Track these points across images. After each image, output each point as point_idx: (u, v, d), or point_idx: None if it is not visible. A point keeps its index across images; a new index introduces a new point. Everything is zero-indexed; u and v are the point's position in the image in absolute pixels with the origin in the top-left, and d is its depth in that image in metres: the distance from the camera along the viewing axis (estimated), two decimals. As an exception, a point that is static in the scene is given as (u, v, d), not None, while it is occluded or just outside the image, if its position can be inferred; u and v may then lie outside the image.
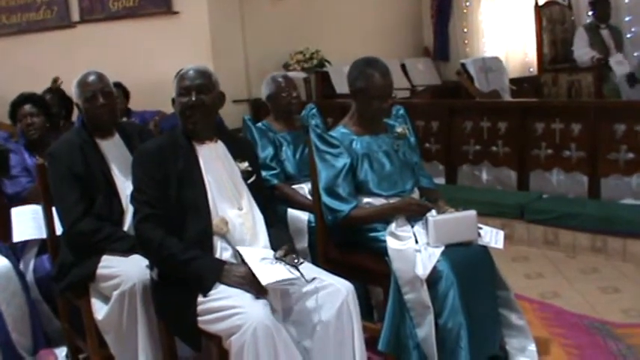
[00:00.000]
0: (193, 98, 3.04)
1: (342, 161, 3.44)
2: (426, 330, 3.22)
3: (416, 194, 3.60)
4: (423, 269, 3.19)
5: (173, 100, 3.15)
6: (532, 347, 3.47)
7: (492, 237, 3.48)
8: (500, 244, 3.45)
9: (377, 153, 3.53)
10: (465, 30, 9.98)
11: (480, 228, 3.45)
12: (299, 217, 4.04)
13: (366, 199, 3.49)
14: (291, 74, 5.32)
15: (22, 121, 4.45)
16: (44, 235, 3.93)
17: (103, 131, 3.60)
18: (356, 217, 3.44)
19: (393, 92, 3.53)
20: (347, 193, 3.43)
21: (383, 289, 3.47)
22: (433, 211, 3.46)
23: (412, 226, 3.40)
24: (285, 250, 2.97)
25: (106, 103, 3.54)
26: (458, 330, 3.14)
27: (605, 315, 4.17)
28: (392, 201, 3.46)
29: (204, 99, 3.06)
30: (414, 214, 3.38)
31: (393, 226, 3.39)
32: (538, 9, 8.57)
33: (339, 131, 3.56)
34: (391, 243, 3.33)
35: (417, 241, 3.31)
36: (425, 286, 3.18)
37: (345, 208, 3.41)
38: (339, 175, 3.43)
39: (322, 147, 3.49)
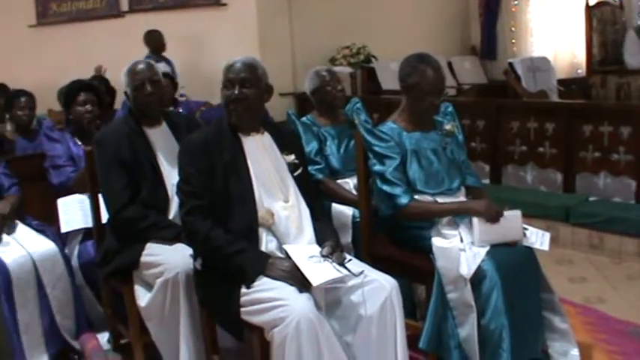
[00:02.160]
0: (236, 92, 3.04)
1: (395, 154, 3.41)
2: (468, 330, 3.19)
3: (462, 193, 3.57)
4: (467, 269, 3.15)
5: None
6: (575, 352, 3.41)
7: (538, 238, 3.43)
8: (545, 246, 3.40)
9: (425, 150, 3.49)
10: (513, 29, 9.89)
11: (526, 229, 3.40)
12: (343, 212, 4.02)
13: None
14: (337, 69, 5.32)
15: (80, 107, 4.45)
16: (90, 225, 3.98)
17: (150, 120, 3.63)
18: (415, 209, 3.38)
19: (445, 89, 3.50)
20: (404, 183, 3.40)
21: (426, 287, 3.45)
22: None
23: (457, 225, 3.37)
24: (331, 246, 2.96)
25: (154, 91, 3.58)
26: (500, 331, 3.10)
27: (651, 322, 4.10)
28: (441, 199, 3.43)
29: (247, 93, 3.05)
30: (488, 219, 3.29)
31: (439, 225, 3.37)
32: (588, 9, 8.46)
33: (389, 127, 3.53)
34: (436, 241, 3.30)
35: (462, 240, 3.28)
36: (468, 286, 3.15)
37: (404, 196, 3.35)
38: (394, 166, 3.39)
39: (374, 141, 3.46)
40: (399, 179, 3.39)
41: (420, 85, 3.41)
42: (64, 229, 4.14)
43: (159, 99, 3.63)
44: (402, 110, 3.57)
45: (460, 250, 3.23)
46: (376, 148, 3.44)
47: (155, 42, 7.71)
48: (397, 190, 3.37)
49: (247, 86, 3.05)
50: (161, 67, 7.31)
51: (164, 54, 7.74)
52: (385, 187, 3.40)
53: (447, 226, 3.37)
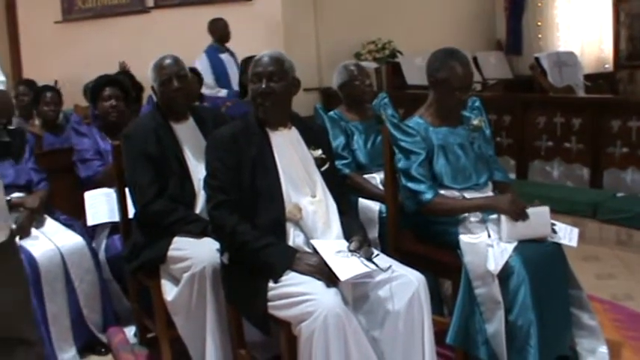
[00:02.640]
0: (263, 85, 3.04)
1: (420, 150, 3.40)
2: (495, 326, 3.17)
3: (489, 188, 3.55)
4: (494, 264, 3.14)
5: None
6: (603, 349, 3.38)
7: (566, 234, 3.40)
8: (574, 242, 3.37)
9: (453, 145, 3.47)
10: (539, 24, 9.81)
11: (554, 224, 3.38)
12: (370, 206, 4.01)
13: (440, 192, 3.44)
14: (362, 64, 5.28)
15: (105, 102, 4.48)
16: (117, 219, 4.01)
17: (177, 114, 3.65)
18: (441, 205, 3.36)
19: (473, 84, 3.48)
20: (428, 179, 3.39)
21: (453, 283, 3.43)
22: None
23: (485, 220, 3.35)
24: (359, 241, 2.94)
25: (181, 86, 3.59)
26: (528, 327, 3.08)
27: (680, 319, 4.06)
28: (468, 195, 3.42)
29: (274, 87, 3.05)
30: (512, 216, 3.26)
31: (466, 220, 3.35)
32: (616, 3, 8.41)
33: (415, 121, 3.52)
34: (464, 236, 3.28)
35: (489, 236, 3.26)
36: (496, 282, 3.13)
37: (429, 192, 3.35)
38: (419, 162, 3.38)
39: (399, 136, 3.45)
40: (424, 175, 3.37)
41: (449, 81, 3.40)
42: (90, 222, 4.18)
43: (186, 94, 3.64)
44: (430, 105, 3.55)
45: (488, 245, 3.21)
46: (402, 143, 3.43)
47: (219, 31, 7.53)
48: (422, 187, 3.36)
49: (275, 80, 3.05)
50: (224, 58, 7.34)
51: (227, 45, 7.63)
52: (410, 184, 3.39)
53: (475, 222, 3.35)
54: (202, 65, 7.24)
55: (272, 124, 3.14)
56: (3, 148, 2.60)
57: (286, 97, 3.15)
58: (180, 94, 3.59)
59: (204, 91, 6.76)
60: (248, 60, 5.78)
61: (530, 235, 3.26)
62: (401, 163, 3.43)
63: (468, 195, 3.42)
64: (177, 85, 3.57)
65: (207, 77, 7.14)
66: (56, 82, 6.81)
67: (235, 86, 6.94)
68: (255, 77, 3.08)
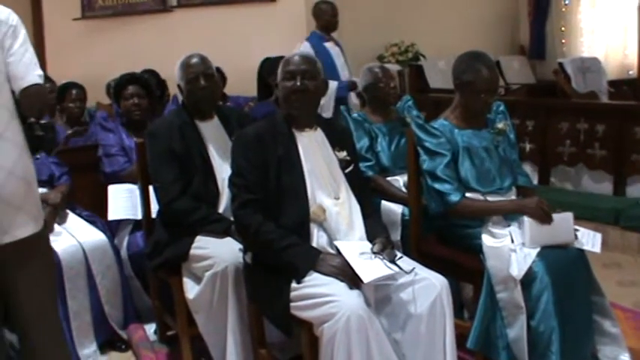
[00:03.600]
0: (298, 83, 3.05)
1: (446, 151, 3.39)
2: (517, 331, 3.16)
3: (513, 192, 3.54)
4: (517, 270, 3.13)
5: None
6: (625, 357, 3.36)
7: (590, 240, 3.38)
8: (597, 248, 3.34)
9: (477, 148, 3.46)
10: (563, 29, 9.74)
11: (577, 230, 3.36)
12: (393, 209, 4.01)
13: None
14: (386, 66, 5.28)
15: (127, 101, 4.51)
16: (138, 217, 4.05)
17: (202, 113, 3.66)
18: (467, 207, 3.36)
19: (498, 88, 3.48)
20: (455, 180, 3.38)
21: (474, 287, 3.42)
22: None
23: (508, 225, 3.34)
24: (382, 243, 2.95)
25: (208, 85, 3.60)
26: (550, 334, 3.07)
27: (702, 329, 4.02)
28: (492, 198, 3.41)
29: (308, 85, 3.06)
30: (538, 218, 3.25)
31: (489, 224, 3.34)
32: (641, 9, 8.32)
33: (440, 123, 3.51)
34: (487, 240, 3.27)
35: (512, 241, 3.25)
36: (519, 287, 3.12)
37: (455, 194, 3.34)
38: (445, 163, 3.38)
39: (424, 137, 3.45)
40: (450, 176, 3.37)
41: (475, 83, 3.39)
42: (110, 216, 4.20)
43: (212, 92, 3.66)
44: (455, 107, 3.55)
45: (511, 250, 3.20)
46: (427, 144, 3.43)
47: (326, 16, 6.52)
48: (448, 188, 3.35)
49: (308, 78, 3.07)
50: (329, 47, 6.45)
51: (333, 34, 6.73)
52: (436, 185, 3.38)
53: (498, 226, 3.34)
54: None
55: (299, 125, 3.14)
56: (36, 142, 2.64)
57: (317, 97, 3.17)
58: (207, 93, 3.60)
59: None
60: (267, 61, 5.82)
61: (553, 241, 3.24)
62: (426, 165, 3.43)
63: (491, 199, 3.41)
64: (204, 83, 3.58)
65: None
66: None
67: (344, 78, 6.34)
68: (289, 75, 3.08)
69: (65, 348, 2.94)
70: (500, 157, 3.52)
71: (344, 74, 6.42)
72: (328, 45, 6.48)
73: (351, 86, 5.98)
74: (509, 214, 3.36)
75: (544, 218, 3.22)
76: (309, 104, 3.11)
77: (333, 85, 5.86)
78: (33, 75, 2.55)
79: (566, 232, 3.30)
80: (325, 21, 6.53)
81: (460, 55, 3.52)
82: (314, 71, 3.10)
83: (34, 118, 2.59)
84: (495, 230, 3.32)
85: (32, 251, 2.64)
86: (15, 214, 2.54)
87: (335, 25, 6.60)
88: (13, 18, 2.59)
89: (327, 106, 5.67)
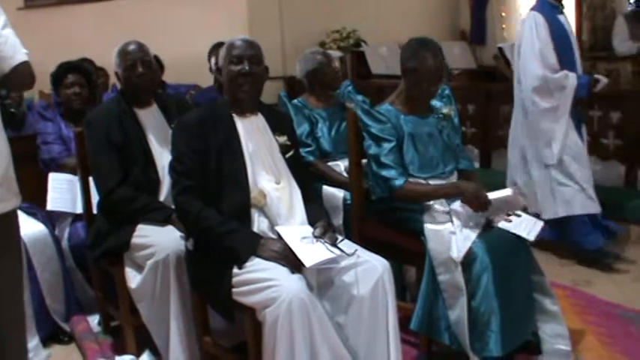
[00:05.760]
0: (247, 67, 3.04)
1: (391, 137, 3.41)
2: (457, 312, 3.20)
3: (454, 176, 3.57)
4: (457, 251, 3.17)
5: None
6: (565, 334, 3.42)
7: (528, 226, 3.38)
8: (532, 236, 3.33)
9: (422, 134, 3.49)
10: (503, 14, 9.86)
11: (519, 216, 3.37)
12: (334, 194, 4.03)
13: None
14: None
15: (68, 89, 4.44)
16: (78, 210, 4.00)
17: (141, 101, 3.62)
18: (410, 192, 3.38)
19: (443, 75, 3.49)
20: (399, 165, 3.40)
21: (416, 269, 3.45)
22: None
23: (449, 208, 3.37)
24: (323, 227, 2.95)
25: (145, 72, 3.57)
26: (490, 314, 3.11)
27: (638, 305, 4.13)
28: (434, 182, 3.43)
29: (255, 69, 3.06)
30: (473, 207, 3.29)
31: (431, 207, 3.37)
32: (579, -5, 8.45)
33: (385, 108, 3.52)
34: (428, 223, 3.31)
35: (452, 223, 3.28)
36: (459, 269, 3.16)
37: (400, 178, 3.36)
38: (389, 149, 3.39)
39: (370, 122, 3.45)
40: (395, 162, 3.39)
41: (419, 71, 3.41)
42: (49, 206, 4.12)
43: (150, 80, 3.62)
44: (400, 93, 3.56)
45: (451, 232, 3.24)
46: (372, 130, 3.44)
47: None
48: (393, 173, 3.37)
49: (255, 62, 3.06)
50: (564, 22, 4.91)
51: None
52: (382, 171, 3.40)
53: (439, 209, 3.37)
54: (532, 32, 4.73)
55: (241, 110, 3.13)
56: (8, 119, 2.66)
57: (262, 82, 3.16)
58: (145, 80, 3.57)
59: (547, 74, 4.56)
60: (217, 46, 5.76)
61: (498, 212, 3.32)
62: (371, 150, 3.44)
63: (433, 183, 3.44)
64: (142, 70, 3.54)
65: (547, 51, 4.63)
66: None
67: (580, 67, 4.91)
68: (235, 59, 3.06)
69: (25, 338, 2.89)
70: (443, 142, 3.54)
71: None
72: (563, 19, 5.13)
73: None
74: (449, 198, 3.39)
75: (477, 207, 3.27)
76: (254, 89, 3.09)
77: (572, 78, 4.66)
78: (21, 53, 2.64)
79: (511, 205, 3.36)
80: None
81: (408, 40, 3.53)
82: (259, 56, 3.10)
83: (21, 91, 2.64)
84: (437, 213, 3.36)
85: (10, 228, 2.67)
86: None
87: None
88: None
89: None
